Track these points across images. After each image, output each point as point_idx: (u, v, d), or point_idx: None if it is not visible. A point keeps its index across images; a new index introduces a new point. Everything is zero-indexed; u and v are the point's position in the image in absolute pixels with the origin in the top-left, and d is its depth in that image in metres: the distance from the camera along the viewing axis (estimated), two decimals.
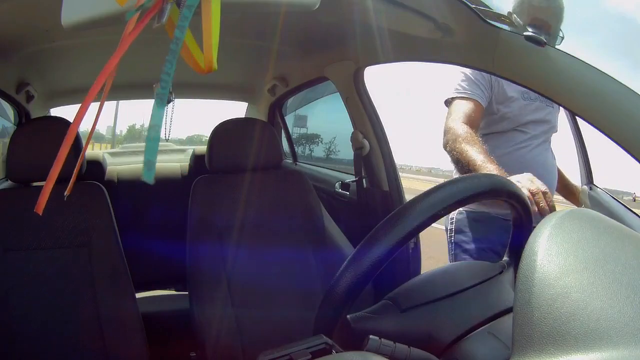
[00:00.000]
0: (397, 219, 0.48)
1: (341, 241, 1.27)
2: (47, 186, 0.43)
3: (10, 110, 1.69)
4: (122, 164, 2.18)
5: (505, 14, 0.78)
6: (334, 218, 1.32)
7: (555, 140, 1.34)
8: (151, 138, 0.39)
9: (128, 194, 1.79)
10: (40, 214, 0.43)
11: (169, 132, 0.42)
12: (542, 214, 0.73)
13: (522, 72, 0.79)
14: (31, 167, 1.10)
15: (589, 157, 1.48)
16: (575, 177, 1.44)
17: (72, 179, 0.43)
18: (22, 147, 1.11)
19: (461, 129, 1.10)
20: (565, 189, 1.42)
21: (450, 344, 0.48)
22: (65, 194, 0.49)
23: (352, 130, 1.54)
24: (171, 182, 1.93)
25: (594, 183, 1.45)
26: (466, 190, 0.51)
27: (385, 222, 0.49)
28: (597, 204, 1.29)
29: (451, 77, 1.22)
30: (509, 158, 1.17)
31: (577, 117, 1.43)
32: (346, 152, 1.65)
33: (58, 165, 0.43)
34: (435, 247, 1.70)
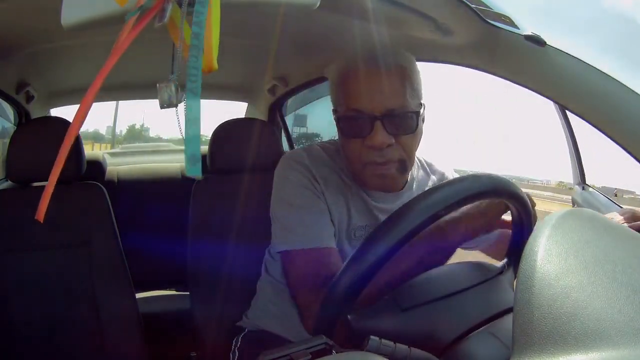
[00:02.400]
0: (398, 219, 0.48)
1: None
2: (47, 191, 0.43)
3: (10, 110, 1.69)
4: (122, 164, 2.18)
5: (505, 14, 0.77)
6: None
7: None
8: (192, 131, 0.39)
9: (128, 194, 1.79)
10: (42, 221, 0.43)
11: (183, 130, 0.42)
12: None
13: (522, 72, 0.79)
14: (31, 167, 1.10)
15: (581, 156, 1.46)
16: (567, 176, 1.41)
17: (51, 178, 0.43)
18: (22, 147, 1.10)
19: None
20: None
21: (451, 344, 0.48)
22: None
23: None
24: (171, 182, 1.93)
25: (587, 182, 1.45)
26: (467, 190, 0.51)
27: (385, 222, 0.49)
28: (590, 204, 1.28)
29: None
30: None
31: (568, 116, 1.42)
32: None
33: (57, 169, 0.43)
34: None
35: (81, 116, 0.43)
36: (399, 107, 0.71)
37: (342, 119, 0.74)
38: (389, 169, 0.73)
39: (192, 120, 0.39)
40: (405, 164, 0.75)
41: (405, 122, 0.71)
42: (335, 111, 0.77)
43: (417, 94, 0.74)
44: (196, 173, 0.39)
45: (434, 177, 0.90)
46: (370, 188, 0.78)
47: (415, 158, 0.88)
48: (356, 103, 0.71)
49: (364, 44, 0.89)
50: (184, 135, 0.40)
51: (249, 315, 0.96)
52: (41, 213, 0.43)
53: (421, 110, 0.75)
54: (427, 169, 0.91)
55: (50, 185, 0.43)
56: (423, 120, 0.77)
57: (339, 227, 0.78)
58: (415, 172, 0.88)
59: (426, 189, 0.85)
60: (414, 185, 0.85)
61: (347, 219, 0.79)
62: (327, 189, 0.77)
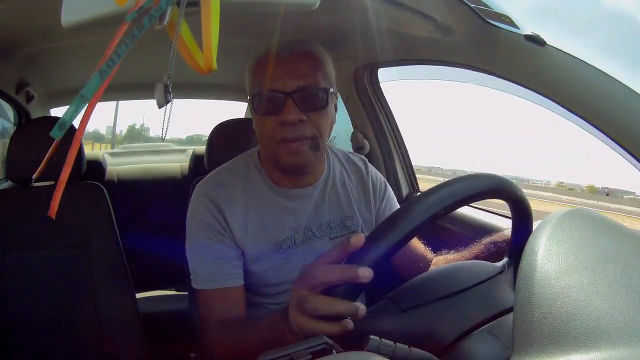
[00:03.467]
0: (398, 219, 0.48)
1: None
2: (58, 191, 0.43)
3: (10, 110, 1.69)
4: (122, 164, 2.18)
5: (505, 13, 0.77)
6: None
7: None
8: (76, 104, 0.40)
9: (128, 194, 1.79)
10: (54, 217, 0.44)
11: (166, 132, 0.42)
12: None
13: (522, 71, 0.79)
14: (31, 168, 1.09)
15: (412, 163, 1.46)
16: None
17: (62, 178, 0.43)
18: (22, 147, 1.11)
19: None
20: None
21: (451, 344, 0.48)
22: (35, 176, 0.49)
23: (352, 130, 1.54)
24: (171, 182, 1.93)
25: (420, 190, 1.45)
26: (467, 190, 0.51)
27: (385, 221, 0.49)
28: None
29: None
30: None
31: (397, 123, 1.44)
32: None
33: (67, 169, 0.43)
34: None
35: (88, 117, 0.43)
36: (309, 85, 0.75)
37: (257, 98, 0.77)
38: (301, 145, 0.76)
39: (83, 96, 0.40)
40: (317, 141, 0.77)
41: (315, 99, 0.76)
42: (250, 95, 0.81)
43: (328, 80, 0.79)
44: (56, 135, 0.41)
45: (352, 175, 0.91)
46: (285, 167, 0.80)
47: (334, 151, 0.93)
48: (270, 83, 0.76)
49: (360, 39, 0.90)
50: (163, 137, 0.40)
51: None
52: (53, 210, 0.44)
53: (331, 92, 0.78)
54: (345, 164, 0.93)
55: (61, 184, 0.43)
56: (336, 108, 0.82)
57: (259, 244, 0.81)
58: (332, 163, 0.90)
59: (347, 184, 0.88)
60: (331, 178, 0.87)
61: (265, 235, 0.82)
62: (234, 215, 0.80)
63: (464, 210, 1.15)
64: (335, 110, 0.82)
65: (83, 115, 0.43)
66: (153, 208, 1.76)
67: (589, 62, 0.73)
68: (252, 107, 0.80)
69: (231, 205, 0.80)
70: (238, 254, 0.80)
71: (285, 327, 0.53)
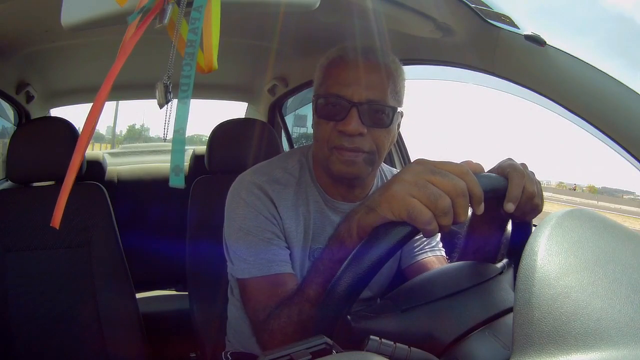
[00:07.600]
0: None
1: None
2: (62, 199, 0.43)
3: (10, 111, 1.69)
4: (122, 164, 2.18)
5: (505, 13, 0.77)
6: None
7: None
8: (177, 142, 0.38)
9: (128, 194, 1.79)
10: (57, 227, 0.43)
11: (167, 132, 0.42)
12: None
13: (522, 71, 0.79)
14: (31, 168, 1.10)
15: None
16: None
17: (68, 180, 0.43)
18: (22, 147, 1.11)
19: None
20: None
21: (450, 344, 0.48)
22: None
23: None
24: None
25: None
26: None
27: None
28: None
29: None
30: None
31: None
32: None
33: (71, 176, 0.43)
34: None
35: (93, 120, 0.43)
36: (377, 100, 0.72)
37: (320, 99, 0.75)
38: (356, 156, 0.73)
39: (179, 130, 0.39)
40: (373, 156, 0.75)
41: (379, 115, 0.73)
42: (315, 94, 0.78)
43: (397, 97, 0.76)
44: (179, 183, 0.39)
45: None
46: (335, 175, 0.77)
47: (383, 169, 0.89)
48: (337, 88, 0.73)
49: (360, 39, 0.89)
50: (165, 137, 0.40)
51: (229, 338, 0.96)
52: (56, 219, 0.43)
53: (398, 111, 0.75)
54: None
55: (64, 194, 0.43)
56: (399, 126, 0.79)
57: (297, 247, 0.79)
58: (381, 182, 0.87)
59: None
60: None
61: (304, 240, 0.80)
62: (286, 214, 0.78)
63: None
64: (399, 127, 0.79)
65: (86, 122, 0.43)
66: (153, 208, 1.76)
67: (589, 62, 0.73)
68: (314, 108, 0.77)
69: (283, 203, 0.78)
70: (286, 247, 0.78)
71: (346, 227, 0.52)
